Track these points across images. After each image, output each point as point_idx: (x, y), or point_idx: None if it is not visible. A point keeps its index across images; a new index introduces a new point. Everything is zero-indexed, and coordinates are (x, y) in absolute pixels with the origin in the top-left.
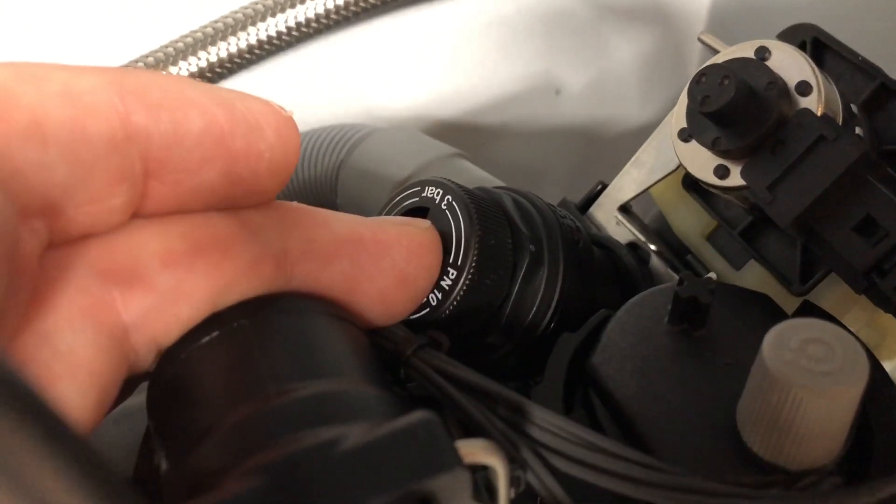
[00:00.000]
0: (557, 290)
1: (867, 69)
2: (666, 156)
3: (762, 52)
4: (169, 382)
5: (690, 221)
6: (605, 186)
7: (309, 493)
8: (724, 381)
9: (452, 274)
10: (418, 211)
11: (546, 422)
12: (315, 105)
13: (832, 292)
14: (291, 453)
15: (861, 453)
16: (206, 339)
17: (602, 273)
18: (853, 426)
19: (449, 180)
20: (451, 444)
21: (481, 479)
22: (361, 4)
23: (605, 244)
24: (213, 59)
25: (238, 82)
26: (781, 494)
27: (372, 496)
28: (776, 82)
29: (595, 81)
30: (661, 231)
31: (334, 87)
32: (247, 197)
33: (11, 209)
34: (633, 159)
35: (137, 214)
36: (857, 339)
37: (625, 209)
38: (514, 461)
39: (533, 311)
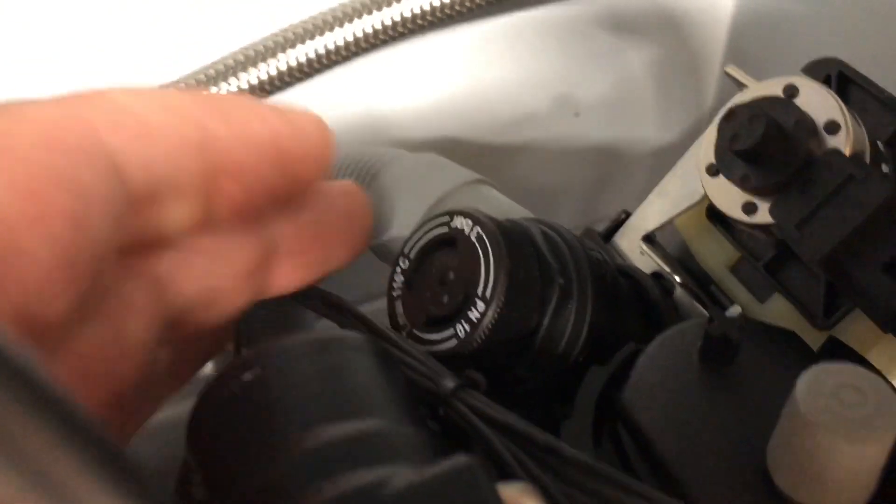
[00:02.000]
0: (586, 323)
1: (892, 105)
2: (690, 186)
3: (790, 90)
4: (212, 416)
5: (714, 252)
6: (628, 215)
7: None
8: (753, 419)
9: (481, 306)
10: (446, 242)
11: (579, 464)
12: (338, 130)
13: (857, 327)
14: (342, 493)
15: (891, 495)
16: (250, 376)
17: (628, 304)
18: (885, 469)
19: (478, 211)
20: (493, 489)
21: None
22: (388, 33)
23: (630, 274)
24: (244, 85)
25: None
26: None
27: None
28: (804, 121)
29: (613, 104)
30: (685, 261)
31: (356, 112)
32: (296, 187)
33: (126, 200)
34: (657, 189)
35: (210, 211)
36: (889, 383)
37: (649, 239)
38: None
39: (563, 345)
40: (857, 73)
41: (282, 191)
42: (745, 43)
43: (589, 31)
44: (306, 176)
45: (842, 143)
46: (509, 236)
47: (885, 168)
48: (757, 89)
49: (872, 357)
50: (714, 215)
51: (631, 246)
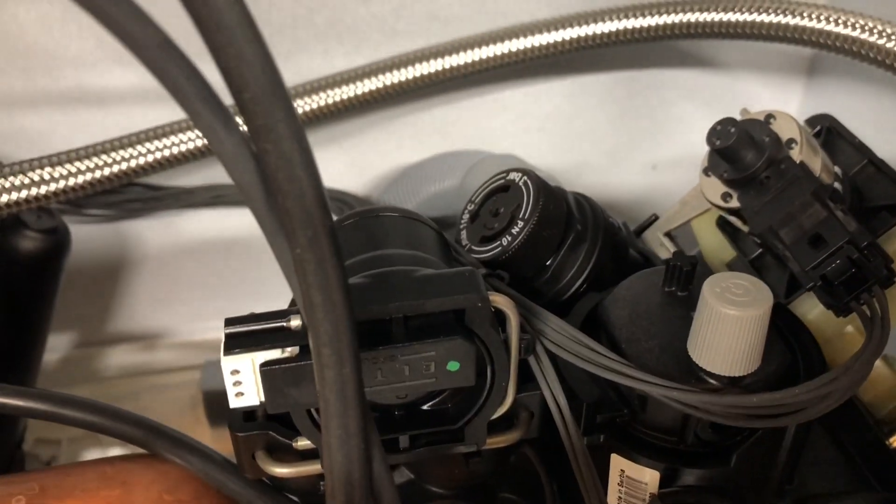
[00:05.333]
0: (592, 262)
1: (861, 149)
2: (703, 199)
3: (769, 117)
4: None
5: (716, 249)
6: (657, 217)
7: (394, 289)
8: (689, 326)
9: (520, 224)
10: (502, 189)
11: (555, 322)
12: (460, 145)
13: (803, 302)
14: (389, 272)
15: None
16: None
17: (636, 267)
18: (777, 355)
19: (528, 168)
20: (483, 286)
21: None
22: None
23: (645, 254)
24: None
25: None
26: (693, 388)
27: (429, 296)
28: (771, 136)
29: (686, 163)
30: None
31: (467, 136)
32: None
33: None
34: (680, 199)
35: None
36: (787, 311)
37: (669, 235)
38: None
39: (572, 273)
40: (841, 125)
41: None
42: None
43: (669, 99)
44: None
45: (796, 155)
46: (547, 188)
47: (837, 185)
48: (748, 115)
49: (808, 320)
50: (721, 224)
51: (654, 240)
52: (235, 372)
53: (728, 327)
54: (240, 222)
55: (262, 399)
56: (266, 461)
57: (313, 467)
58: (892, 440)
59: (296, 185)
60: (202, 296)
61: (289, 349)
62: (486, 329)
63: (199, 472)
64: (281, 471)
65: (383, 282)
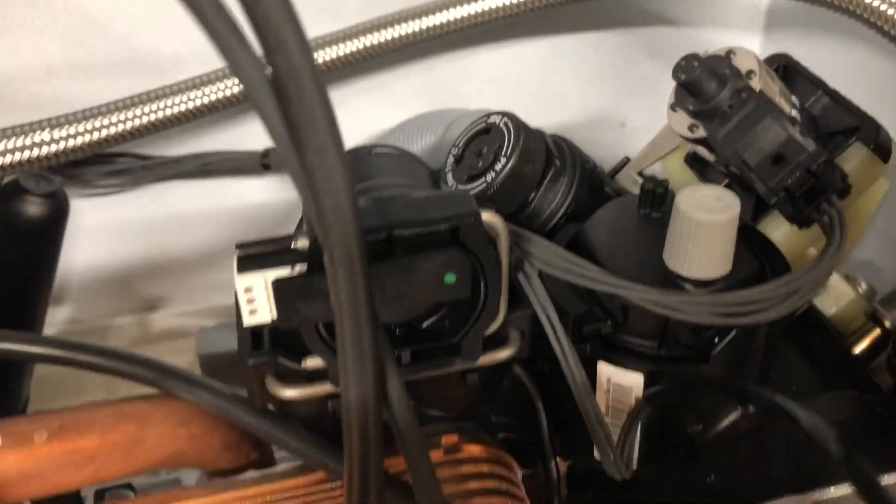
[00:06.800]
0: (571, 194)
1: (815, 81)
2: (671, 138)
3: (730, 52)
4: None
5: (686, 185)
6: (629, 160)
7: (392, 209)
8: (664, 242)
9: (503, 160)
10: (484, 131)
11: (542, 242)
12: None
13: (767, 226)
14: (385, 195)
15: None
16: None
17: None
18: (746, 263)
19: (508, 111)
20: (476, 204)
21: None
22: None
23: (619, 192)
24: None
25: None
26: (667, 291)
27: (426, 213)
28: (732, 69)
29: (653, 120)
30: None
31: (444, 100)
32: None
33: None
34: (650, 141)
35: None
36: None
37: (641, 175)
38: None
39: (552, 206)
40: (796, 62)
41: None
42: None
43: (638, 59)
44: None
45: (755, 84)
46: (527, 127)
47: (795, 113)
48: (712, 52)
49: (774, 237)
50: (689, 161)
51: (627, 180)
52: (248, 290)
53: (701, 233)
54: (229, 193)
55: (274, 316)
56: (276, 385)
57: (323, 388)
58: (856, 349)
59: (306, 96)
60: (194, 267)
61: (298, 267)
62: (479, 243)
63: (210, 407)
64: (291, 393)
65: (381, 203)
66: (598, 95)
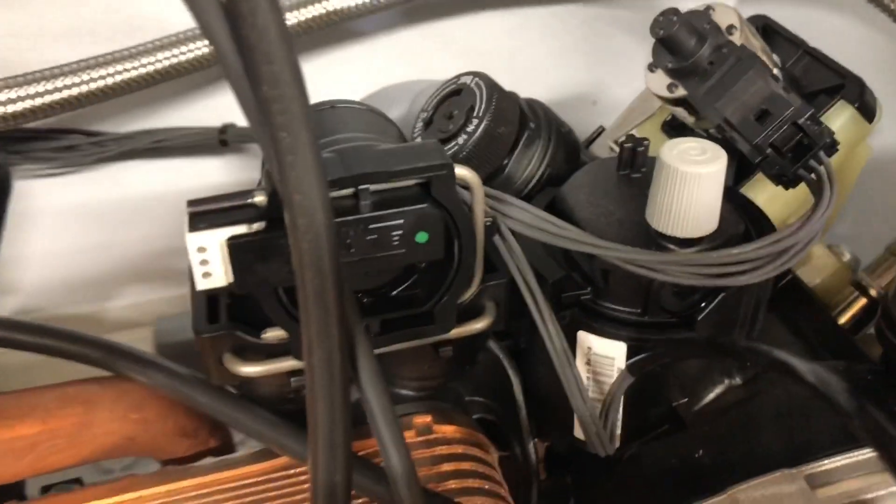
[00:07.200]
0: (547, 158)
1: (795, 41)
2: (647, 105)
3: (709, 7)
4: None
5: None
6: (604, 129)
7: (359, 161)
8: (646, 202)
9: (475, 122)
10: (454, 93)
11: (518, 203)
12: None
13: (749, 190)
14: (350, 146)
15: None
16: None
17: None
18: (732, 223)
19: (479, 72)
20: (447, 155)
21: None
22: None
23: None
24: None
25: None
26: (651, 251)
27: (395, 166)
28: (711, 24)
29: (625, 97)
30: None
31: (412, 74)
32: None
33: None
34: (625, 109)
35: None
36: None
37: (616, 143)
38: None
39: (528, 169)
40: (776, 23)
41: None
42: None
43: (610, 33)
44: None
45: (737, 39)
46: (500, 87)
47: (776, 72)
48: (689, 8)
49: (758, 199)
50: (665, 128)
51: (602, 149)
52: (202, 250)
53: (688, 186)
54: (185, 173)
55: (230, 279)
56: (234, 362)
57: (285, 363)
58: (842, 320)
59: (259, 16)
60: (150, 253)
61: (255, 224)
62: (452, 198)
63: (165, 387)
64: (251, 370)
65: (346, 156)
66: (569, 71)
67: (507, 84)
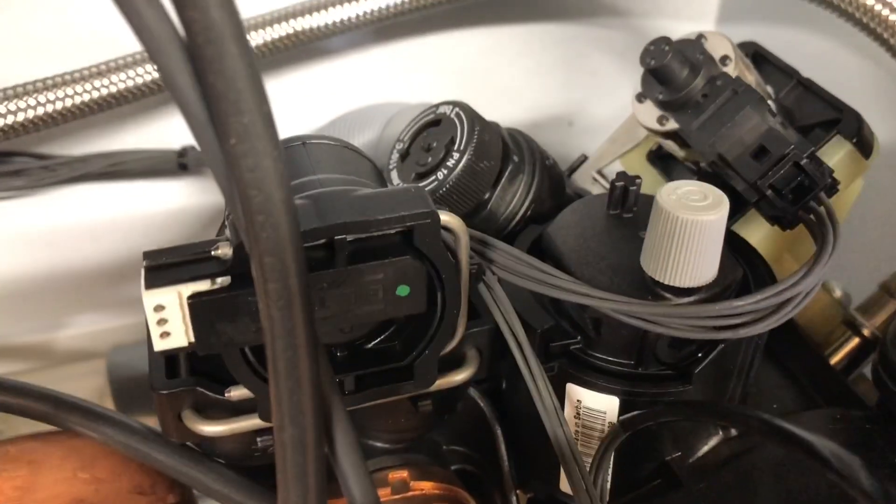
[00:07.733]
0: (531, 194)
1: (788, 70)
2: (633, 134)
3: (701, 37)
4: None
5: (648, 185)
6: (587, 158)
7: (334, 209)
8: (640, 245)
9: (456, 156)
10: (432, 123)
11: (504, 248)
12: (381, 98)
13: (745, 224)
14: (325, 192)
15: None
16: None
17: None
18: (731, 269)
19: (458, 100)
20: (431, 201)
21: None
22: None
23: (580, 193)
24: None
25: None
26: (652, 301)
27: (374, 214)
28: (705, 54)
29: (602, 119)
30: None
31: (385, 94)
32: None
33: None
34: (608, 137)
35: None
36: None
37: (600, 173)
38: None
39: (511, 205)
40: (766, 50)
41: None
42: None
43: (587, 53)
44: None
45: (731, 70)
46: (481, 118)
47: (771, 104)
48: (681, 37)
49: (751, 238)
50: (651, 159)
51: (585, 179)
52: (160, 308)
53: (688, 234)
54: (142, 197)
55: (191, 339)
56: (194, 420)
57: (249, 422)
58: (833, 360)
59: (227, 62)
60: (104, 280)
61: (219, 280)
62: (436, 248)
63: (117, 444)
64: (213, 429)
65: (321, 203)
66: (545, 91)
67: (481, 105)
